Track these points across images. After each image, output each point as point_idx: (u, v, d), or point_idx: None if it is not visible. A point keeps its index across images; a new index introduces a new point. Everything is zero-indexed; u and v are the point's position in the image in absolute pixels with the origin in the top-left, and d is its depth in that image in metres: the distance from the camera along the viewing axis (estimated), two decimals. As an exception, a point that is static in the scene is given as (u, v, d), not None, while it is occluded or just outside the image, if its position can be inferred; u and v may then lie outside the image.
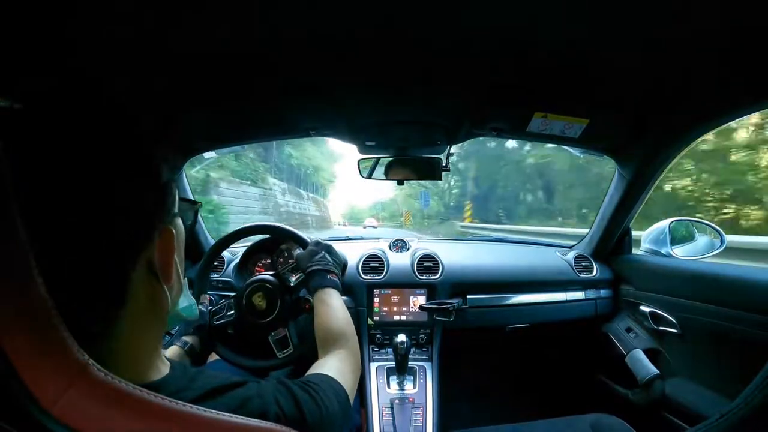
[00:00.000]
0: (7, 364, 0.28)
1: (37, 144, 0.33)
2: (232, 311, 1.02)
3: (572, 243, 1.75)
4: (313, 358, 1.19)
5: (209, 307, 1.05)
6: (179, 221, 0.47)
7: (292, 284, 1.01)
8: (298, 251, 1.00)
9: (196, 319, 0.57)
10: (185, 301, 0.53)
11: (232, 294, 1.06)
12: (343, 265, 1.42)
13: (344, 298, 1.37)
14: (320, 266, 0.90)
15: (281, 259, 1.46)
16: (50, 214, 0.33)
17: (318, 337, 0.78)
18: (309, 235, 1.27)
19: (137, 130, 0.40)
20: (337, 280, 0.90)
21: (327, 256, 0.94)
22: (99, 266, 0.36)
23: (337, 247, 1.48)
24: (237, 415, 0.38)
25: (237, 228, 1.15)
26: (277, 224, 1.14)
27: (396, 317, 1.42)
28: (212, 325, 1.02)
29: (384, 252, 1.54)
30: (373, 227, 25.94)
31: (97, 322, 0.37)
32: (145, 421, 0.33)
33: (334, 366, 0.60)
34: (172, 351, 0.95)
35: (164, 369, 0.45)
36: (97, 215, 0.35)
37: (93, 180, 0.35)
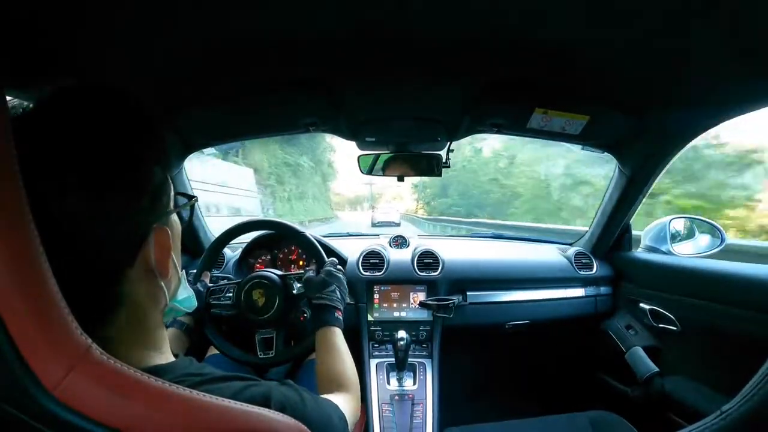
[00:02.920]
0: (11, 345, 0.28)
1: (33, 147, 0.34)
2: (231, 295, 1.03)
3: (573, 240, 1.75)
4: (292, 367, 1.19)
5: (209, 285, 1.05)
6: (175, 218, 0.48)
7: (295, 292, 1.02)
8: (310, 273, 0.99)
9: (193, 308, 0.58)
10: (184, 292, 0.54)
11: (235, 280, 1.07)
12: (343, 263, 1.43)
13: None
14: (329, 302, 0.89)
15: (281, 256, 1.47)
16: (47, 216, 0.33)
17: (321, 377, 0.77)
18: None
19: (132, 134, 0.41)
20: (341, 318, 0.89)
21: (337, 291, 0.93)
22: (97, 267, 0.38)
23: (337, 244, 1.49)
24: (239, 402, 0.38)
25: (260, 219, 1.17)
26: (299, 229, 1.13)
27: (396, 314, 1.42)
28: (207, 302, 1.03)
29: (384, 248, 1.53)
30: (394, 224, 16.22)
31: (97, 315, 0.39)
32: (145, 404, 0.33)
33: (337, 400, 0.60)
34: (170, 333, 0.96)
35: (169, 356, 0.47)
36: (94, 219, 0.37)
37: (89, 186, 0.36)
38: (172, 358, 0.47)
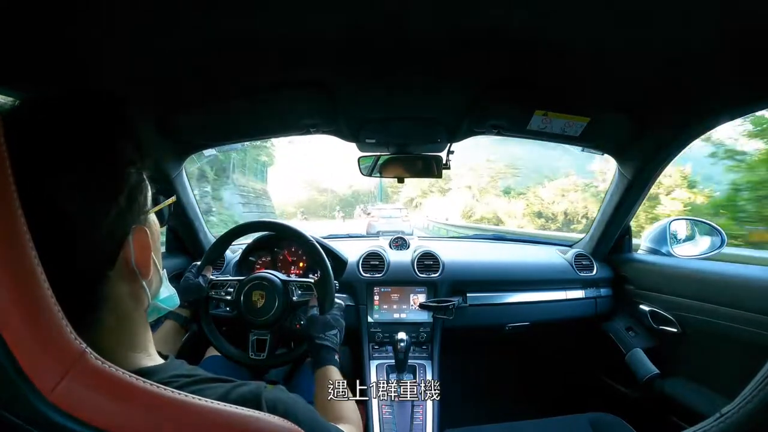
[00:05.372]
0: (6, 350, 0.28)
1: (17, 146, 0.34)
2: (232, 291, 1.03)
3: (573, 241, 1.75)
4: (300, 365, 1.16)
5: (211, 278, 1.06)
6: (153, 218, 0.49)
7: (295, 299, 1.02)
8: (314, 312, 1.00)
9: (176, 307, 0.59)
10: (166, 291, 0.55)
11: (238, 278, 1.07)
12: (343, 264, 1.44)
13: (344, 295, 1.38)
14: (330, 344, 0.93)
15: (281, 257, 1.47)
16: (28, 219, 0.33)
17: (322, 414, 0.79)
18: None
19: (104, 136, 0.41)
20: (338, 358, 0.93)
21: (339, 335, 0.96)
22: (78, 270, 0.38)
23: (337, 245, 1.49)
24: (231, 405, 0.38)
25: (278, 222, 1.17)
26: (300, 231, 1.12)
27: (396, 315, 1.42)
28: (208, 294, 1.04)
29: (384, 250, 1.53)
30: (404, 234, 3.84)
31: (80, 317, 0.38)
32: (139, 408, 0.33)
33: (342, 428, 0.61)
34: (168, 326, 0.97)
35: (158, 358, 0.48)
36: (73, 222, 0.37)
37: (66, 188, 0.37)
38: (159, 360, 0.47)
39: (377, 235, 1.94)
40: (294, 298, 1.02)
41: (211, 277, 1.06)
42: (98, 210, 0.39)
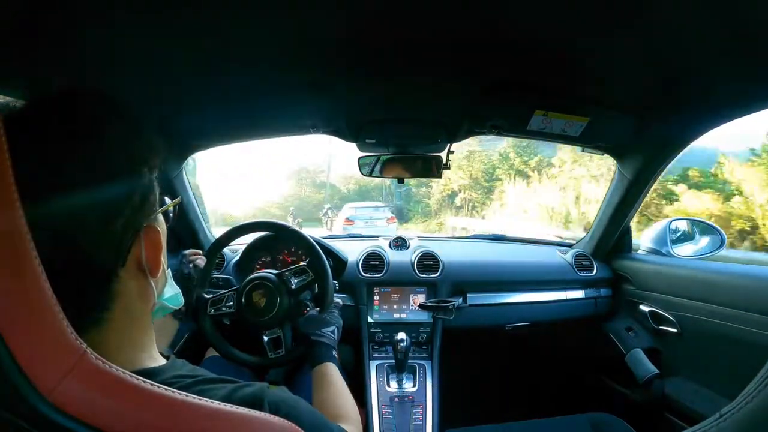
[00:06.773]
0: (6, 350, 0.28)
1: (31, 144, 0.35)
2: (231, 303, 1.03)
3: (573, 242, 1.75)
4: (302, 364, 1.14)
5: (209, 297, 1.05)
6: (161, 218, 0.49)
7: (293, 287, 1.02)
8: (313, 312, 1.01)
9: (181, 306, 0.60)
10: (170, 290, 0.55)
11: (233, 287, 1.06)
12: (343, 264, 1.44)
13: (343, 295, 1.38)
14: (327, 341, 0.93)
15: (281, 257, 1.47)
16: (42, 217, 0.33)
17: (321, 412, 0.79)
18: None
19: (123, 136, 0.42)
20: (336, 355, 0.93)
21: (336, 332, 0.96)
22: (91, 267, 0.39)
23: (337, 245, 1.49)
24: (231, 405, 0.38)
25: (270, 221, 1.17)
26: (298, 230, 1.12)
27: (396, 315, 1.42)
28: (209, 314, 1.03)
29: (384, 250, 1.54)
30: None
31: (89, 315, 0.40)
32: (140, 408, 0.33)
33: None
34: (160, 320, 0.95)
35: (160, 359, 0.48)
36: (90, 219, 0.37)
37: (85, 185, 0.37)
38: (162, 360, 0.48)
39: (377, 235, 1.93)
40: (293, 287, 1.02)
41: (208, 296, 1.06)
42: (116, 206, 0.39)
